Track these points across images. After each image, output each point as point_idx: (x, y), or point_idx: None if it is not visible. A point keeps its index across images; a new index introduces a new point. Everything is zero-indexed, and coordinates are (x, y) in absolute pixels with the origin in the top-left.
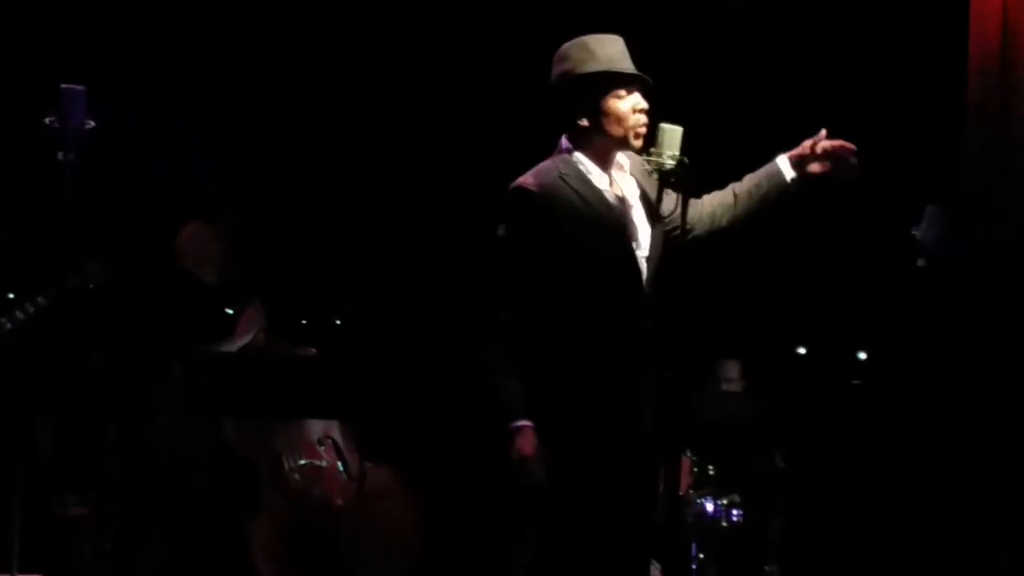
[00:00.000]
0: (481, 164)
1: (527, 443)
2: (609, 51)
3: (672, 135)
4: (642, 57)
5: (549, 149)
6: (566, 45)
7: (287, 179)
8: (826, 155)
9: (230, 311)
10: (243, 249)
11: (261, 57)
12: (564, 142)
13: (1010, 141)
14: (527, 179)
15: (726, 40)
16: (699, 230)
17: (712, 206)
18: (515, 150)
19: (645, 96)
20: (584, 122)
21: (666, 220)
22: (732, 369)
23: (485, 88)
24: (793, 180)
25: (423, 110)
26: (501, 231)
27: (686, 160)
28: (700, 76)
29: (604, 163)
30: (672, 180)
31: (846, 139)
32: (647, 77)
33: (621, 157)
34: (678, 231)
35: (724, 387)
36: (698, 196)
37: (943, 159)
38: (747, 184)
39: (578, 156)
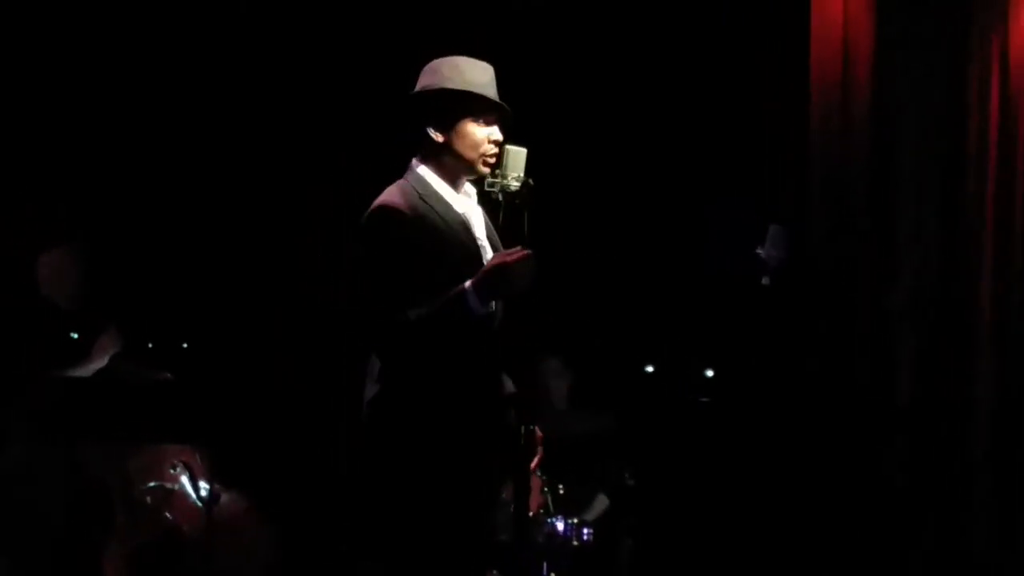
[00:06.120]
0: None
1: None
2: (479, 76)
3: (517, 157)
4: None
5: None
6: (437, 60)
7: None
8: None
9: (84, 336)
10: (99, 274)
11: None
12: (416, 163)
13: (851, 159)
14: (392, 199)
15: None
16: None
17: None
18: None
19: (502, 128)
20: (439, 137)
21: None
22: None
23: None
24: None
25: None
26: (365, 251)
27: (531, 181)
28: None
29: (454, 186)
30: (516, 201)
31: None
32: (509, 109)
33: (469, 187)
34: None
35: (552, 388)
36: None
37: (785, 178)
38: None
39: (432, 178)
